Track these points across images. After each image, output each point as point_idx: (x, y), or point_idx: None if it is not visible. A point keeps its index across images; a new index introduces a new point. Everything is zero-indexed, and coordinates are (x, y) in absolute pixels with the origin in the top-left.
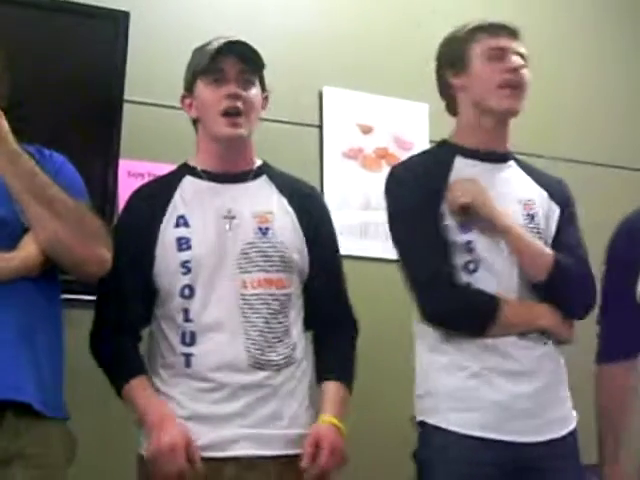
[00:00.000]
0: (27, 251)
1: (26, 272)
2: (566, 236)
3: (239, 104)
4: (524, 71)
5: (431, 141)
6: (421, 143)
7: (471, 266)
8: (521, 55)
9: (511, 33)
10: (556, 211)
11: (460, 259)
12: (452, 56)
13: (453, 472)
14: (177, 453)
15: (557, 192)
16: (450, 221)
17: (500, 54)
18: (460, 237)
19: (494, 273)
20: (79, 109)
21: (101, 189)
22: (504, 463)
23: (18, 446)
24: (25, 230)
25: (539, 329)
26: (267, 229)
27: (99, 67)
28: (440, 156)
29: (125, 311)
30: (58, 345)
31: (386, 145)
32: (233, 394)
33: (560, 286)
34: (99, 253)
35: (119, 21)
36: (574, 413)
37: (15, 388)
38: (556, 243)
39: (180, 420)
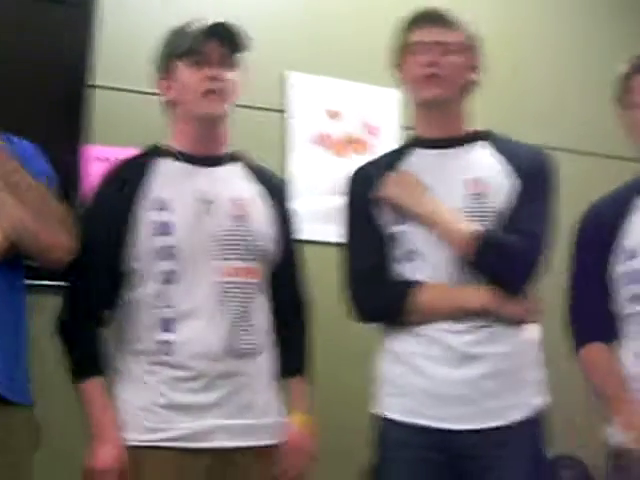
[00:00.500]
0: None
1: None
2: (517, 211)
3: (221, 85)
4: (444, 61)
5: (401, 126)
6: (391, 129)
7: (408, 256)
8: (443, 43)
9: (432, 22)
10: (518, 186)
11: (398, 250)
12: (394, 52)
13: (394, 457)
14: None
15: (525, 166)
16: (388, 214)
17: (418, 48)
18: (396, 229)
19: (428, 261)
20: (47, 94)
21: (68, 174)
22: (438, 448)
23: None
24: None
25: (472, 311)
26: (245, 217)
27: (67, 53)
28: (401, 151)
29: (93, 296)
30: (22, 331)
31: (354, 130)
32: (210, 383)
33: (488, 263)
34: (64, 240)
35: (87, 7)
36: (536, 400)
37: None
38: (508, 217)
39: (120, 434)
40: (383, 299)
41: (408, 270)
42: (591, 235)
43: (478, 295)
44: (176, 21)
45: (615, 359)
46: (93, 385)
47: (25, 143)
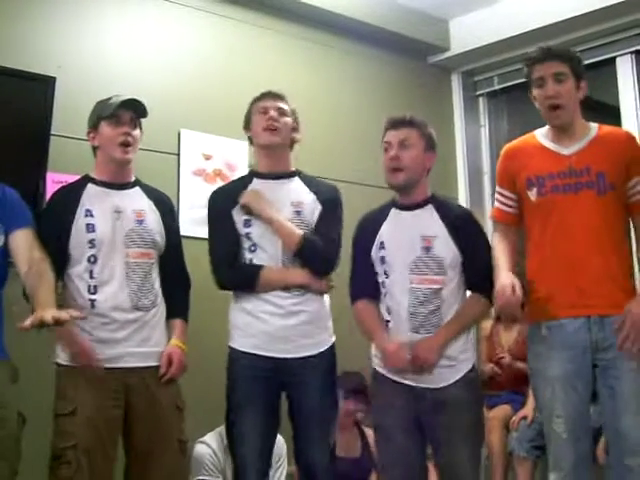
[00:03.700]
0: None
1: None
2: (320, 223)
3: (129, 139)
4: (281, 120)
5: (248, 166)
6: (242, 167)
7: (252, 248)
8: (280, 109)
9: (273, 96)
10: (319, 208)
11: (246, 244)
12: (245, 117)
13: (239, 375)
14: (89, 356)
15: (323, 195)
16: (239, 220)
17: (263, 111)
18: (244, 230)
19: (266, 252)
20: (23, 143)
21: (36, 190)
22: (271, 370)
23: None
24: None
25: (295, 285)
26: (142, 221)
27: (36, 113)
28: (245, 179)
29: None
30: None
31: (220, 167)
32: (121, 326)
33: (305, 255)
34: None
35: (48, 83)
36: (331, 339)
37: None
38: (315, 228)
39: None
40: (236, 276)
41: (253, 257)
42: (361, 234)
43: (297, 275)
44: (109, 92)
45: (375, 309)
46: None
47: (8, 189)
